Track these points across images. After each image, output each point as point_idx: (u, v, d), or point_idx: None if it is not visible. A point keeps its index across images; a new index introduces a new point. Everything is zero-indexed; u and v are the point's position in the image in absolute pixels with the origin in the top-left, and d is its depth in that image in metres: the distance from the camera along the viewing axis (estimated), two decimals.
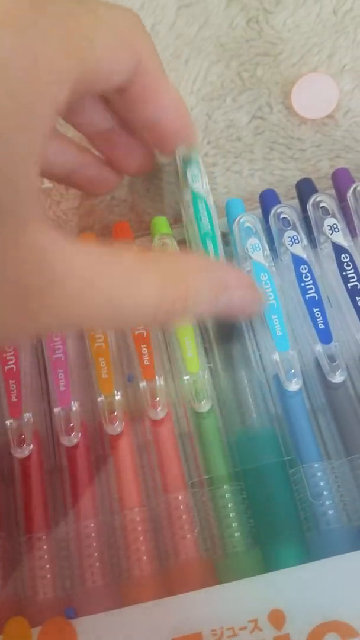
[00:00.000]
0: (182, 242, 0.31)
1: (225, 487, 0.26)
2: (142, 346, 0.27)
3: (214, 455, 0.27)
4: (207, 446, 0.27)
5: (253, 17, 0.39)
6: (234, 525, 0.25)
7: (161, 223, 0.31)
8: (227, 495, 0.26)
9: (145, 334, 0.28)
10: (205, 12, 0.39)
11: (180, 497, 0.26)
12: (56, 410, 0.27)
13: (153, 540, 0.26)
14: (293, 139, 0.36)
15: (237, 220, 0.30)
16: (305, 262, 0.29)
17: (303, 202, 0.31)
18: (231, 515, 0.26)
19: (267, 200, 0.32)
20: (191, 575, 0.25)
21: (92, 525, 0.26)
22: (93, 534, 0.26)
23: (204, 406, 0.27)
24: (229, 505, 0.26)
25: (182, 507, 0.26)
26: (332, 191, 0.32)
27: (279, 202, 0.31)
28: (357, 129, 0.36)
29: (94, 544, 0.26)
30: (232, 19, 0.39)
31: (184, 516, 0.26)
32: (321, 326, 0.27)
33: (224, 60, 0.38)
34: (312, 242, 0.30)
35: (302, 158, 0.35)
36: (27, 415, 0.27)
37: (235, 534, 0.25)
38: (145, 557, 0.25)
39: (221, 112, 0.37)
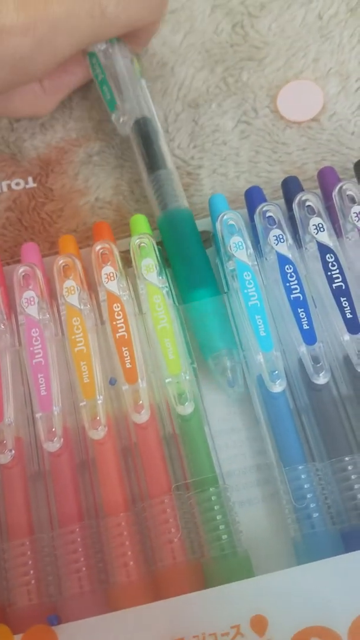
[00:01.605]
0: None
1: (211, 489, 0.26)
2: (123, 349, 0.27)
3: (199, 458, 0.27)
4: (192, 449, 0.27)
5: (238, 22, 0.39)
6: (220, 528, 0.25)
7: (140, 221, 0.31)
8: (213, 498, 0.26)
9: (126, 337, 0.27)
10: (191, 19, 0.39)
11: (165, 501, 0.26)
12: (38, 415, 0.27)
13: (139, 545, 0.26)
14: (278, 142, 0.35)
15: (220, 217, 0.29)
16: (290, 262, 0.28)
17: (289, 201, 0.31)
18: (218, 518, 0.25)
19: (253, 198, 0.31)
20: (178, 580, 0.25)
21: (77, 530, 0.26)
22: (78, 539, 0.25)
23: (187, 408, 0.27)
24: (215, 507, 0.26)
25: (168, 510, 0.26)
26: (318, 191, 0.32)
27: (265, 200, 0.31)
28: (343, 132, 0.35)
29: (79, 550, 0.25)
30: (217, 24, 0.39)
31: (170, 520, 0.25)
32: (305, 327, 0.27)
33: (209, 65, 0.38)
34: (298, 241, 0.29)
35: (288, 161, 0.35)
36: (9, 420, 0.27)
37: (223, 537, 0.25)
38: (131, 562, 0.25)
39: (207, 118, 0.37)
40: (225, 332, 0.29)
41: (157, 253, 0.29)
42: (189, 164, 0.36)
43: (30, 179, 0.36)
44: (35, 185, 0.36)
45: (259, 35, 0.38)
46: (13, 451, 0.26)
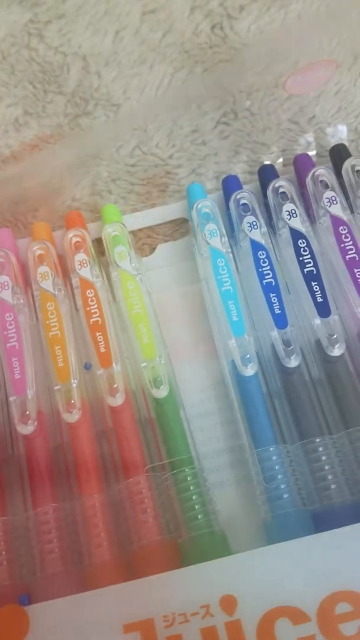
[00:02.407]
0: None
1: (186, 470, 0.26)
2: (97, 334, 0.27)
3: (174, 440, 0.27)
4: (167, 431, 0.27)
5: (217, 23, 0.39)
6: (196, 507, 0.25)
7: (111, 211, 0.31)
8: (188, 479, 0.26)
9: (100, 322, 0.28)
10: (170, 19, 0.39)
11: (141, 482, 0.26)
12: (12, 398, 0.27)
13: (113, 526, 0.26)
14: (257, 143, 0.36)
15: (195, 205, 0.30)
16: (263, 248, 0.29)
17: (264, 188, 0.31)
18: (193, 498, 0.26)
19: (229, 186, 0.32)
20: (155, 559, 0.25)
21: (51, 512, 0.26)
22: (52, 521, 0.26)
23: (162, 391, 0.27)
24: (191, 488, 0.26)
25: (143, 491, 0.26)
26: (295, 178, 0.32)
27: (241, 189, 0.31)
28: (322, 135, 0.35)
29: (53, 531, 0.25)
30: (196, 25, 0.39)
31: (145, 500, 0.26)
32: (277, 311, 0.27)
33: (188, 66, 0.38)
34: (272, 227, 0.30)
35: (268, 161, 0.35)
36: None
37: (199, 517, 0.25)
38: (105, 543, 0.25)
39: (186, 118, 0.36)
40: None
41: (129, 241, 0.29)
42: (167, 163, 0.36)
43: None
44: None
45: (238, 37, 0.39)
46: None
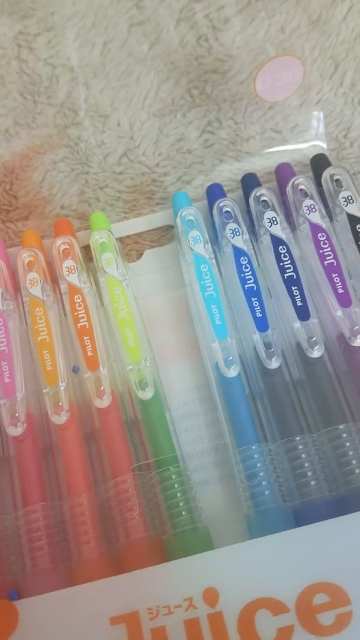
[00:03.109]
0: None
1: (171, 469, 0.27)
2: (85, 337, 0.28)
3: (159, 440, 0.28)
4: (153, 431, 0.28)
5: (203, 34, 0.39)
6: (180, 505, 0.26)
7: (99, 219, 0.32)
8: (173, 477, 0.27)
9: (87, 326, 0.28)
10: (156, 30, 0.39)
11: (127, 481, 0.27)
12: (1, 401, 0.28)
13: (101, 524, 0.27)
14: (242, 152, 0.36)
15: (179, 212, 0.31)
16: (245, 254, 0.30)
17: (247, 196, 0.32)
18: (178, 495, 0.26)
19: (213, 194, 0.33)
20: (141, 555, 0.26)
21: (40, 510, 0.26)
22: (41, 519, 0.26)
23: (148, 393, 0.28)
24: (175, 486, 0.27)
25: (130, 490, 0.27)
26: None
27: (225, 197, 0.32)
28: (304, 145, 0.36)
29: (42, 529, 0.26)
30: (182, 36, 0.39)
31: (132, 498, 0.26)
32: (258, 315, 0.28)
33: (174, 77, 0.38)
34: (254, 234, 0.31)
35: (252, 169, 0.35)
36: None
37: (183, 513, 0.26)
38: (92, 541, 0.26)
39: (172, 127, 0.37)
40: None
41: (116, 248, 0.30)
42: (153, 171, 0.37)
43: None
44: None
45: (223, 48, 0.39)
46: None
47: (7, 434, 0.28)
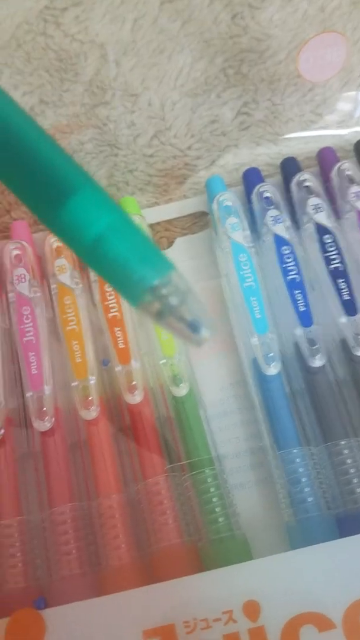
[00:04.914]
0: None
1: (206, 471, 0.25)
2: (116, 329, 0.27)
3: (194, 440, 0.26)
4: (187, 430, 0.26)
5: (238, 13, 0.37)
6: (217, 510, 0.25)
7: (130, 203, 0.30)
8: (208, 480, 0.25)
9: (119, 317, 0.27)
10: (189, 8, 0.38)
11: (160, 482, 0.25)
12: (28, 394, 0.26)
13: (132, 528, 0.25)
14: (279, 135, 0.34)
15: (216, 198, 0.29)
16: (287, 243, 0.28)
17: (287, 182, 0.30)
18: (214, 500, 0.25)
19: (250, 179, 0.31)
20: (174, 563, 0.24)
21: (68, 512, 0.25)
22: (68, 521, 0.25)
23: (182, 390, 0.26)
24: (211, 490, 0.25)
25: (162, 492, 0.25)
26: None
27: (263, 181, 0.31)
28: (345, 131, 0.34)
29: (70, 531, 0.25)
30: (216, 14, 0.37)
31: (165, 501, 0.25)
32: (302, 309, 0.27)
33: (208, 56, 0.37)
34: (296, 222, 0.29)
35: (290, 154, 0.34)
36: None
37: (219, 519, 0.25)
38: (123, 545, 0.25)
39: (205, 108, 0.35)
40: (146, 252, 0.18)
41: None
42: (186, 154, 0.35)
43: None
44: None
45: (260, 27, 0.38)
46: (2, 431, 0.26)
47: (34, 428, 0.26)
